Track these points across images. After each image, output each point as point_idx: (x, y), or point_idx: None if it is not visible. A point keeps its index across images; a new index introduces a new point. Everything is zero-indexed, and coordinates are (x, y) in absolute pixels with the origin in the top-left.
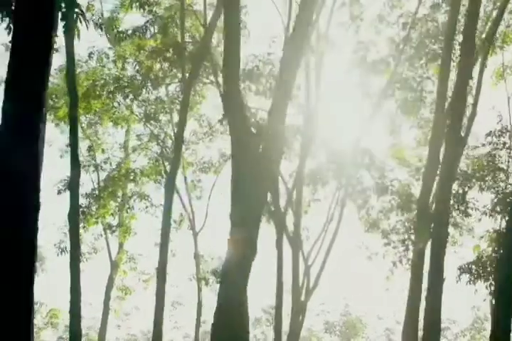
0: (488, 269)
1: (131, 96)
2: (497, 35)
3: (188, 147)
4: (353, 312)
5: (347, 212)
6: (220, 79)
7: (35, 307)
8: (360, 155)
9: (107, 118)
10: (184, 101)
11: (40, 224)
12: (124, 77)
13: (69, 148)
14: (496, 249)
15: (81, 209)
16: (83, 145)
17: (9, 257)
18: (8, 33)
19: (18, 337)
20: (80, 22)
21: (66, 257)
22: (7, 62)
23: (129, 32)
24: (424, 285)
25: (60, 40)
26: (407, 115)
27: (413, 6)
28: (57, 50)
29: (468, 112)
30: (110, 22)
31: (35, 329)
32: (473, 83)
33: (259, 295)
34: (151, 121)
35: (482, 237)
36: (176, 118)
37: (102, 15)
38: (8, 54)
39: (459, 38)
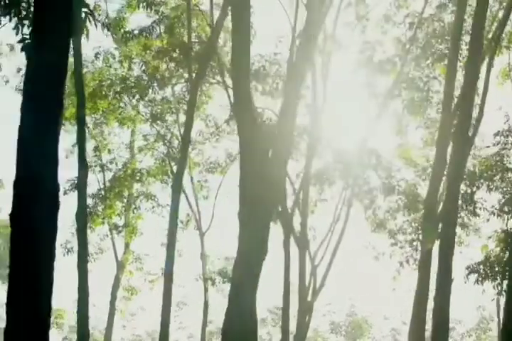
0: (496, 269)
1: (137, 96)
2: (503, 35)
3: (195, 147)
4: (359, 312)
5: (354, 212)
6: (227, 79)
7: None
8: (366, 155)
9: (113, 119)
10: (191, 102)
11: None
12: (130, 77)
13: (74, 148)
14: (503, 248)
15: (87, 210)
16: (89, 146)
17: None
18: (17, 33)
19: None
20: (90, 22)
21: (71, 257)
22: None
23: (136, 32)
24: (431, 285)
25: None
26: (414, 115)
27: (419, 6)
28: None
29: (475, 112)
30: (117, 22)
31: None
32: (480, 83)
33: (264, 296)
34: (158, 122)
35: (490, 237)
36: (182, 118)
37: (108, 15)
38: (12, 54)
39: (466, 37)
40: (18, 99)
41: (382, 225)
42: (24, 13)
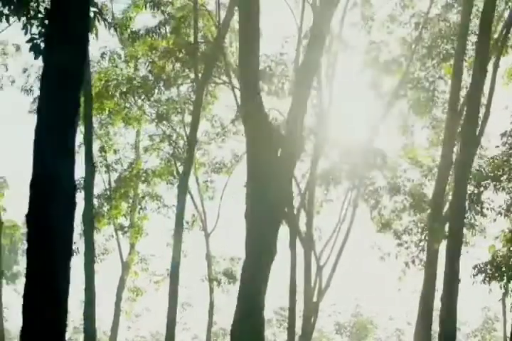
0: (503, 269)
1: (143, 96)
2: (510, 35)
3: (200, 147)
4: (364, 312)
5: (359, 212)
6: (234, 80)
7: None
8: (372, 155)
9: (119, 119)
10: (197, 102)
11: None
12: (136, 78)
13: (81, 149)
14: (510, 249)
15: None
16: (94, 146)
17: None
18: (25, 33)
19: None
20: (98, 21)
21: (75, 258)
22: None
23: (142, 32)
24: (437, 285)
25: None
26: (420, 115)
27: (425, 6)
28: None
29: (481, 112)
30: (123, 22)
31: None
32: (486, 83)
33: (269, 296)
34: (163, 122)
35: (497, 237)
36: (187, 118)
37: (114, 15)
38: (18, 54)
39: (472, 37)
40: (24, 99)
41: (387, 225)
42: (33, 12)
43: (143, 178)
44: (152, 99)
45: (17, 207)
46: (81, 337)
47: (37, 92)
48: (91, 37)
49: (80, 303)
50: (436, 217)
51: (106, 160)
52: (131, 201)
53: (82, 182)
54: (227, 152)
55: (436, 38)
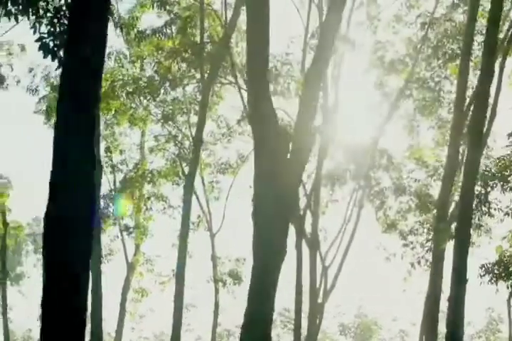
0: (511, 269)
1: (149, 96)
2: None
3: (206, 148)
4: (368, 313)
5: (365, 212)
6: (240, 80)
7: None
8: (378, 155)
9: (125, 119)
10: (203, 102)
11: None
12: (143, 78)
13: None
14: None
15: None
16: (100, 146)
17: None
18: (34, 32)
19: None
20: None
21: None
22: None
23: (149, 32)
24: (443, 286)
25: None
26: (425, 115)
27: (430, 6)
28: None
29: (487, 112)
30: (129, 22)
31: None
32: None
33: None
34: (169, 122)
35: (504, 238)
36: (193, 119)
37: (119, 14)
38: (23, 54)
39: (478, 37)
40: (29, 99)
41: (393, 226)
42: (42, 11)
43: (148, 179)
44: (158, 99)
45: (21, 207)
46: (87, 338)
47: (42, 92)
48: None
49: None
50: (442, 217)
51: (111, 161)
52: (136, 202)
53: None
54: (232, 152)
55: (441, 38)
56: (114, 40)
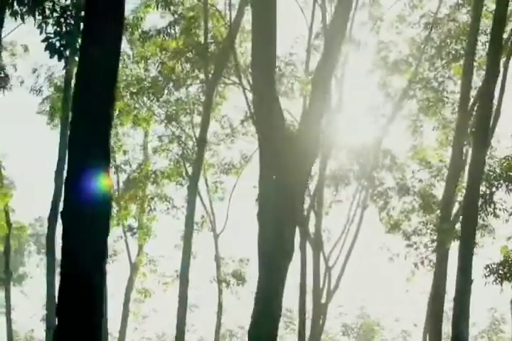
0: None
1: (153, 97)
2: None
3: (210, 148)
4: (371, 314)
5: (368, 213)
6: (244, 80)
7: None
8: (381, 156)
9: (129, 120)
10: (207, 102)
11: (59, 225)
12: (147, 78)
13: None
14: None
15: None
16: None
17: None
18: (41, 32)
19: None
20: None
21: None
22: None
23: (153, 32)
24: (447, 286)
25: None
26: (429, 116)
27: (434, 6)
28: None
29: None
30: (133, 22)
31: None
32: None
33: None
34: (173, 122)
35: (510, 238)
36: (196, 119)
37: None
38: (26, 54)
39: (481, 38)
40: (32, 99)
41: (396, 226)
42: (48, 12)
43: (152, 179)
44: (161, 99)
45: (23, 207)
46: None
47: (46, 93)
48: None
49: None
50: (446, 217)
51: (115, 161)
52: (139, 202)
53: None
54: (236, 153)
55: (445, 38)
56: None
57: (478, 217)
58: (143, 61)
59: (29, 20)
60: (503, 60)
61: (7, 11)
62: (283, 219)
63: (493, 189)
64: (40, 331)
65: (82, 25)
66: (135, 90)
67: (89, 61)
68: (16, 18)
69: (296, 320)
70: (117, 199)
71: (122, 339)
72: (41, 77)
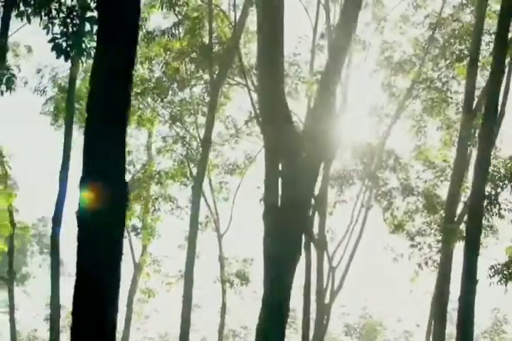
0: None
1: (157, 97)
2: None
3: (214, 149)
4: (374, 314)
5: (372, 213)
6: (248, 81)
7: None
8: (385, 156)
9: (133, 120)
10: (211, 103)
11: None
12: (151, 79)
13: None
14: None
15: None
16: None
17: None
18: (47, 33)
19: None
20: None
21: None
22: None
23: (157, 33)
24: (451, 286)
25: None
26: (433, 116)
27: (437, 6)
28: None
29: None
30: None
31: None
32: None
33: None
34: (177, 123)
35: None
36: (200, 119)
37: None
38: (30, 55)
39: (485, 38)
40: (35, 100)
41: (400, 227)
42: (55, 12)
43: (156, 180)
44: (166, 100)
45: (26, 208)
46: None
47: (49, 93)
48: None
49: None
50: (450, 217)
51: None
52: (143, 202)
53: None
54: (240, 153)
55: (449, 38)
56: None
57: (484, 217)
58: (147, 61)
59: (34, 20)
60: (507, 59)
61: (13, 11)
62: (290, 220)
63: (498, 189)
64: (43, 331)
65: (87, 25)
66: (139, 91)
67: (105, 60)
68: (22, 19)
69: (298, 319)
70: None
71: (126, 339)
72: (45, 78)
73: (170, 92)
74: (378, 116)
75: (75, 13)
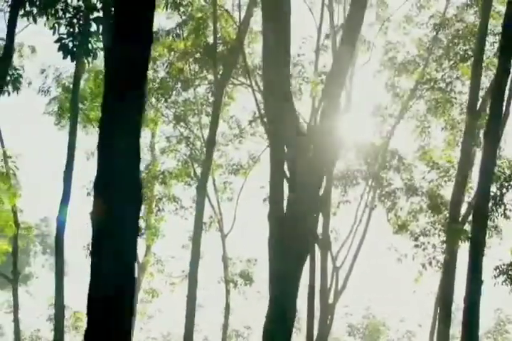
0: None
1: (161, 97)
2: None
3: (218, 149)
4: (377, 314)
5: (376, 213)
6: (253, 81)
7: None
8: (389, 156)
9: None
10: (216, 103)
11: (68, 225)
12: (155, 79)
13: (96, 151)
14: None
15: None
16: None
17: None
18: (53, 33)
19: None
20: None
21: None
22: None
23: (162, 33)
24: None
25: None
26: (437, 116)
27: (441, 7)
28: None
29: None
30: None
31: None
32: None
33: None
34: (181, 123)
35: None
36: (204, 120)
37: None
38: (33, 56)
39: (490, 38)
40: (39, 100)
41: (404, 227)
42: (61, 12)
43: (160, 180)
44: (170, 100)
45: (29, 208)
46: None
47: (53, 93)
48: None
49: None
50: (454, 218)
51: None
52: (147, 202)
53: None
54: (244, 153)
55: (453, 39)
56: None
57: (490, 218)
58: (151, 62)
59: (39, 21)
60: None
61: (20, 11)
62: (296, 220)
63: (504, 190)
64: (47, 331)
65: (93, 25)
66: None
67: (120, 60)
68: (28, 19)
69: (302, 319)
70: None
71: (130, 339)
72: (49, 78)
73: (174, 92)
74: (382, 116)
75: (81, 14)
